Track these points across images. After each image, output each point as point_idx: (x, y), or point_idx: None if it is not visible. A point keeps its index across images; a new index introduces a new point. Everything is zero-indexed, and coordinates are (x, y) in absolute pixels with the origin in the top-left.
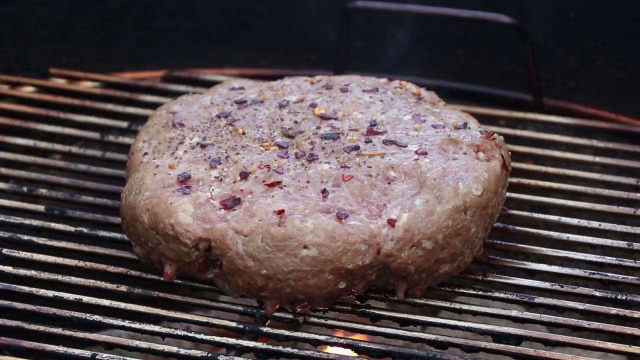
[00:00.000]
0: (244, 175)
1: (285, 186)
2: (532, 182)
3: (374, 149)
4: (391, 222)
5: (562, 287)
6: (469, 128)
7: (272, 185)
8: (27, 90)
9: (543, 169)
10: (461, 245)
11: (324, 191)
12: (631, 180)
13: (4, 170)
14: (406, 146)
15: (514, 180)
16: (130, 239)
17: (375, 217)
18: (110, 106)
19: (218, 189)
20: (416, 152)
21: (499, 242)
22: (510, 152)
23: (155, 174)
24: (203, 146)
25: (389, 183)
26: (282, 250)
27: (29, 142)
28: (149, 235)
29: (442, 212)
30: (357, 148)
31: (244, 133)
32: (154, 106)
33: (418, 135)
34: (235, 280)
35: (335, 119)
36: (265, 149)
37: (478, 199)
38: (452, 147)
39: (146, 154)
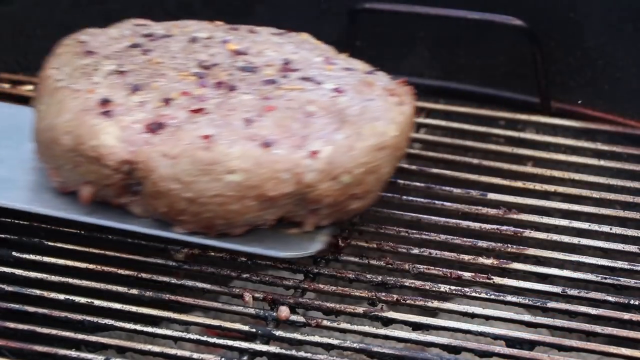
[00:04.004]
0: (167, 101)
1: (209, 113)
2: (537, 185)
3: (291, 83)
4: (314, 154)
5: (575, 292)
6: (377, 74)
7: (196, 111)
8: (26, 89)
9: (547, 172)
10: (374, 182)
11: (248, 120)
12: (637, 184)
13: None
14: (323, 84)
15: (519, 184)
16: (45, 164)
17: (298, 148)
18: None
19: (141, 114)
20: (334, 90)
21: (509, 246)
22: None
23: (74, 98)
24: (120, 73)
25: (309, 117)
26: (207, 174)
27: None
28: (68, 157)
29: (362, 148)
30: (275, 82)
31: (160, 62)
32: None
33: (332, 75)
34: (155, 204)
35: (249, 54)
36: (184, 78)
37: (394, 139)
38: (366, 89)
39: (61, 79)
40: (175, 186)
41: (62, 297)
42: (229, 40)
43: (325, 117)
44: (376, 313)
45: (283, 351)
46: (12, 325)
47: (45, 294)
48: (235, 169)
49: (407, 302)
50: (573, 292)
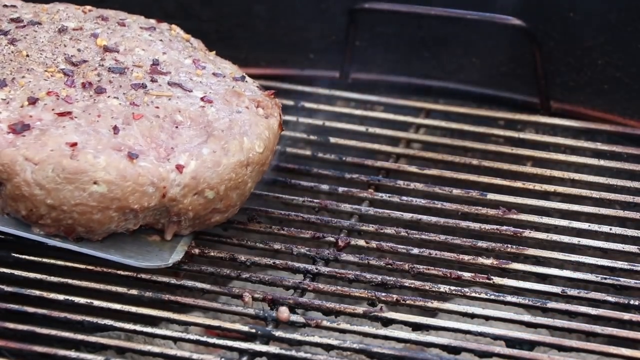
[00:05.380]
0: (33, 101)
1: (75, 117)
2: (537, 185)
3: (160, 89)
4: (179, 168)
5: (574, 292)
6: (246, 81)
7: (62, 114)
8: None
9: (547, 172)
10: (237, 198)
11: (115, 128)
12: (637, 184)
13: None
14: (191, 91)
15: (519, 184)
16: None
17: (164, 161)
18: None
19: (5, 112)
20: (202, 99)
21: (509, 246)
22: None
23: None
24: None
25: (177, 127)
26: (72, 183)
27: None
28: None
29: (228, 164)
30: (144, 86)
31: (27, 55)
32: None
33: (202, 81)
34: (16, 206)
35: (118, 51)
36: (51, 75)
37: (259, 155)
38: (235, 99)
39: None
40: (37, 192)
41: (61, 297)
42: (98, 34)
43: (192, 128)
44: (376, 313)
45: (283, 351)
46: (11, 325)
47: (45, 294)
48: (100, 181)
49: (407, 302)
50: (573, 292)
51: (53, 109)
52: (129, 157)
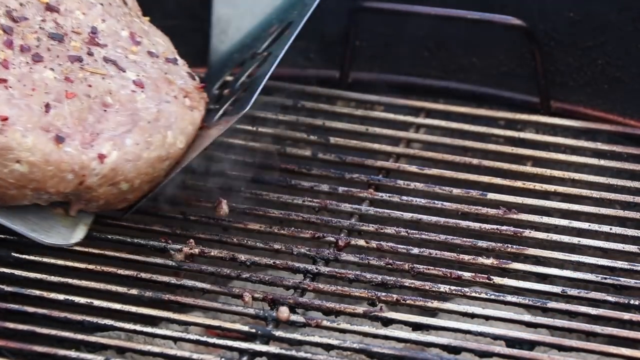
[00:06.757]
0: None
1: (10, 87)
2: (537, 185)
3: (96, 65)
4: (101, 158)
5: (575, 292)
6: (178, 63)
7: None
8: None
9: (547, 171)
10: (147, 189)
11: (47, 105)
12: (637, 184)
13: None
14: (125, 71)
15: (519, 183)
16: None
17: (87, 147)
18: None
19: None
20: (134, 83)
21: (509, 246)
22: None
23: None
24: None
25: (105, 110)
26: None
27: None
28: None
29: (148, 159)
30: (80, 60)
31: None
32: None
33: (136, 61)
34: None
35: (58, 12)
36: None
37: (179, 151)
38: (166, 86)
39: None
40: None
41: (61, 297)
42: None
43: (120, 113)
44: (376, 313)
45: (283, 351)
46: (11, 325)
47: (45, 294)
48: (23, 161)
49: (407, 302)
50: (573, 292)
51: None
52: (55, 140)
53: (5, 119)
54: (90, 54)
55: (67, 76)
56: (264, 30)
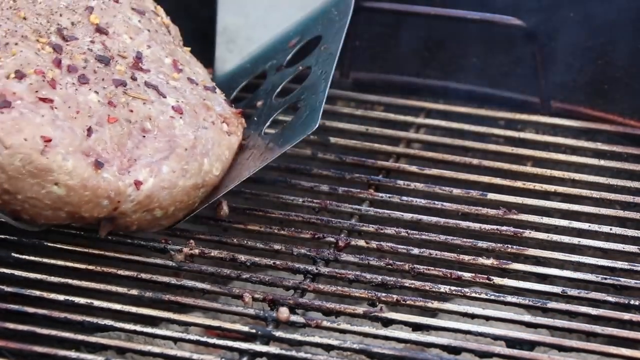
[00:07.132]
0: (20, 76)
1: (56, 108)
2: (537, 185)
3: (138, 90)
4: (137, 184)
5: (575, 292)
6: (216, 92)
7: (44, 100)
8: None
9: (547, 172)
10: (181, 215)
11: (89, 129)
12: (637, 184)
13: None
14: (165, 97)
15: (519, 184)
16: None
17: (124, 173)
18: None
19: None
20: (173, 108)
21: (509, 246)
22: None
23: None
24: None
25: (144, 136)
26: (34, 178)
27: None
28: None
29: (183, 187)
30: (124, 84)
31: (25, 18)
32: None
33: (176, 87)
34: None
35: (107, 34)
36: (42, 48)
37: (215, 178)
38: (204, 112)
39: None
40: None
41: (61, 297)
42: (93, 7)
43: (158, 139)
44: (376, 313)
45: (283, 352)
46: (11, 326)
47: (45, 294)
48: (62, 183)
49: (407, 302)
50: (573, 292)
51: (37, 91)
52: (94, 166)
53: (49, 140)
54: (133, 78)
55: (111, 100)
56: (281, 43)
